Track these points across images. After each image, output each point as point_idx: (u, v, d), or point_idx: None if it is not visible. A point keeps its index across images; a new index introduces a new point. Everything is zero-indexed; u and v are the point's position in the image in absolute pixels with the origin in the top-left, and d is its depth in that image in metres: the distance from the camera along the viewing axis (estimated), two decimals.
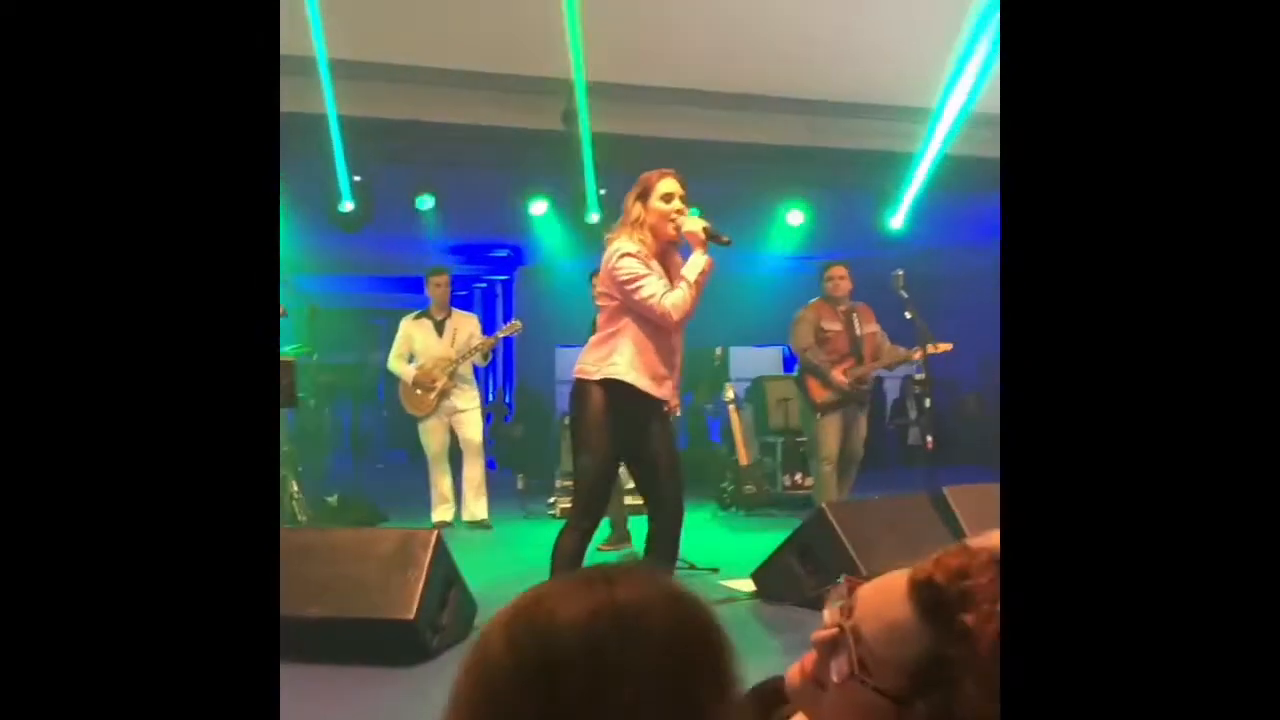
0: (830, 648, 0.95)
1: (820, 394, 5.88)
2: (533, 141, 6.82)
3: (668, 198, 3.38)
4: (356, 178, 6.76)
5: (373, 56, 6.00)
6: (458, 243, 10.33)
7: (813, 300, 6.07)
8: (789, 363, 11.87)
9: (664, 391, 3.45)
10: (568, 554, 3.41)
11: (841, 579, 0.99)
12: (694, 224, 3.34)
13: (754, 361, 10.91)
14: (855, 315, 5.95)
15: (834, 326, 5.93)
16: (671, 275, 3.39)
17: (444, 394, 6.49)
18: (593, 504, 3.47)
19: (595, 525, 3.49)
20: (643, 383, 3.39)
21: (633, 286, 3.32)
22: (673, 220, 3.36)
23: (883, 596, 0.95)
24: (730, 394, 7.66)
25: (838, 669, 0.93)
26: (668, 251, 3.45)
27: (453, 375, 6.48)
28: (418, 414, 6.58)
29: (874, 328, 5.99)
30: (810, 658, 0.97)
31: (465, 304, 12.59)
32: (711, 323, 10.25)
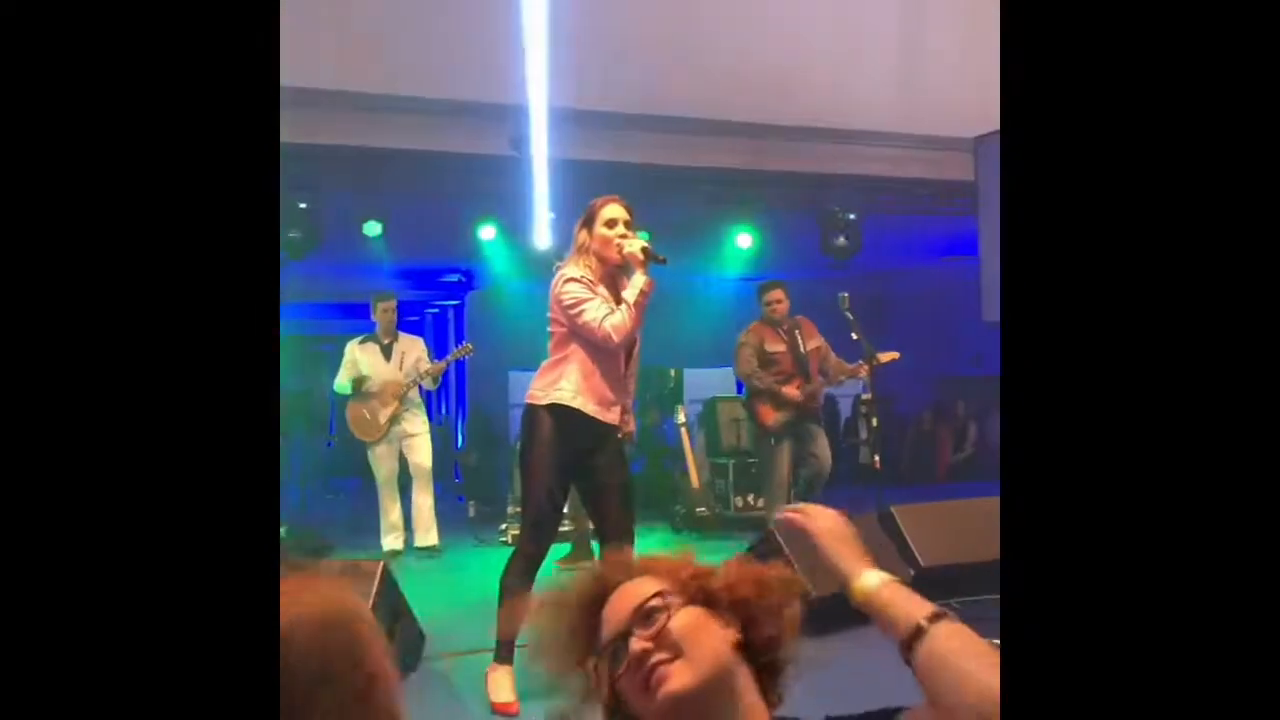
0: (661, 629, 1.16)
1: (771, 417, 5.82)
2: (480, 166, 6.82)
3: (611, 223, 3.40)
4: (302, 205, 6.70)
5: (318, 83, 5.97)
6: (407, 268, 10.27)
7: (752, 324, 6.03)
8: (741, 384, 11.92)
9: (612, 416, 3.45)
10: (513, 578, 3.40)
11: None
12: (633, 245, 3.36)
13: (707, 383, 10.94)
14: (798, 332, 5.92)
15: (777, 347, 5.89)
16: (619, 299, 3.41)
17: (394, 419, 6.43)
18: (540, 529, 3.46)
19: (543, 550, 3.47)
20: (590, 408, 3.40)
21: (575, 311, 3.34)
22: (616, 245, 3.38)
23: (634, 591, 1.21)
24: (682, 416, 7.68)
25: (683, 617, 1.17)
26: (615, 276, 3.46)
27: (402, 399, 6.42)
28: (367, 439, 6.51)
29: (818, 342, 5.95)
30: (666, 663, 1.14)
31: (416, 329, 12.48)
32: (665, 345, 10.26)
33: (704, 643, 1.16)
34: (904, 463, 11.37)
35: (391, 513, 6.55)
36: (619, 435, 3.54)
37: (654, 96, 6.63)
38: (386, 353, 6.55)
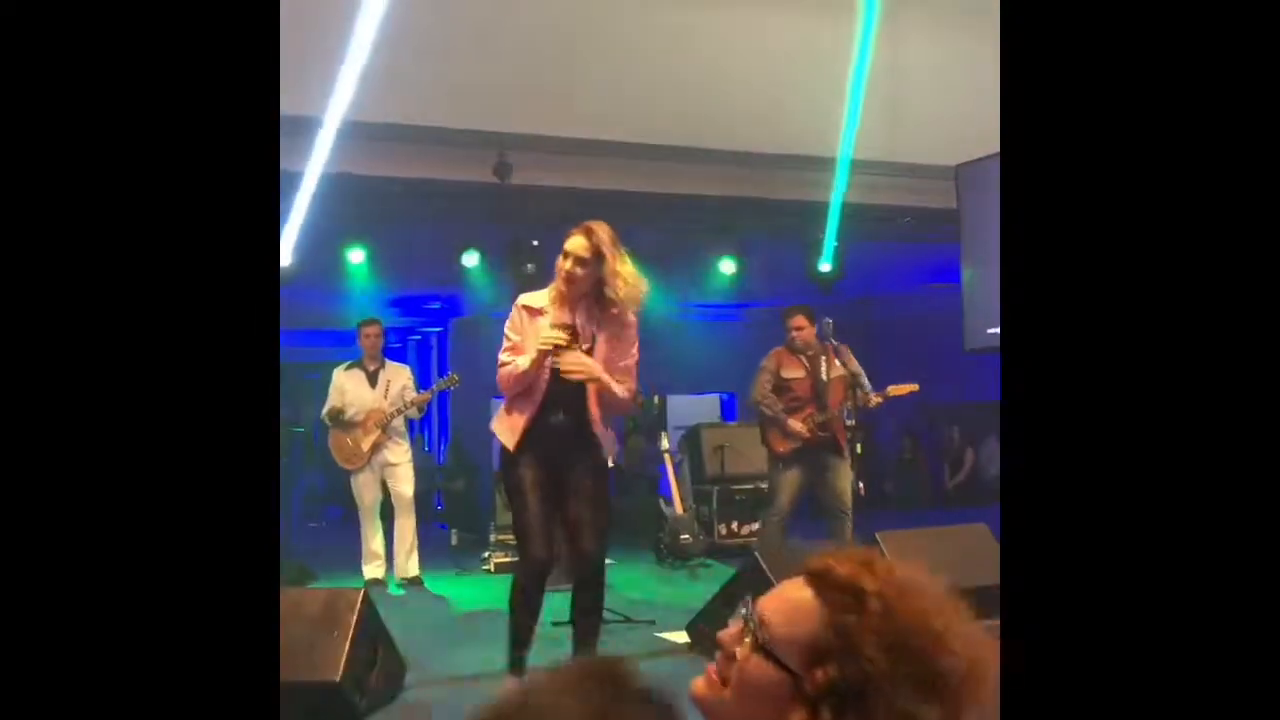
0: (735, 641, 1.00)
1: (780, 445, 5.70)
2: (465, 193, 6.83)
3: (565, 255, 3.42)
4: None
5: (302, 110, 5.97)
6: (391, 295, 10.26)
7: (776, 348, 5.90)
8: (726, 410, 11.92)
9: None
10: (514, 596, 3.47)
11: (748, 597, 1.03)
12: (547, 337, 3.38)
13: (691, 410, 10.95)
14: (824, 359, 5.74)
15: (795, 374, 5.75)
16: (579, 327, 3.43)
17: (377, 447, 6.38)
18: (524, 547, 3.48)
19: (535, 567, 3.43)
20: (510, 442, 3.49)
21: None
22: (564, 276, 3.41)
23: (782, 590, 1.02)
24: (665, 443, 7.67)
25: (742, 650, 0.98)
26: (580, 303, 3.44)
27: (386, 428, 6.38)
28: (349, 467, 6.46)
29: (843, 370, 5.73)
30: (712, 667, 1.01)
31: (399, 356, 12.47)
32: (648, 372, 10.18)
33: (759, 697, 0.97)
34: (890, 490, 11.39)
35: (373, 541, 6.49)
36: (590, 464, 3.49)
37: (639, 124, 6.66)
38: (372, 380, 6.50)
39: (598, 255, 3.36)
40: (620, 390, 3.42)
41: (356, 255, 7.39)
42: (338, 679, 3.35)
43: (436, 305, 11.21)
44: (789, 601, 0.99)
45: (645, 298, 3.45)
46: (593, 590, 3.52)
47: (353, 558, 6.63)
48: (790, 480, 5.69)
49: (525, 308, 3.48)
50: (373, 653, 3.65)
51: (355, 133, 6.21)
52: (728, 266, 8.48)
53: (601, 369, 3.38)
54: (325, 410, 6.53)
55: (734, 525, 7.73)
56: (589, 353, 3.42)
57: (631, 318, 3.49)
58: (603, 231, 3.41)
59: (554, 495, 3.49)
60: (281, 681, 3.60)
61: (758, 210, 7.62)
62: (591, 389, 3.42)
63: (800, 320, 5.79)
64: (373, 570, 6.44)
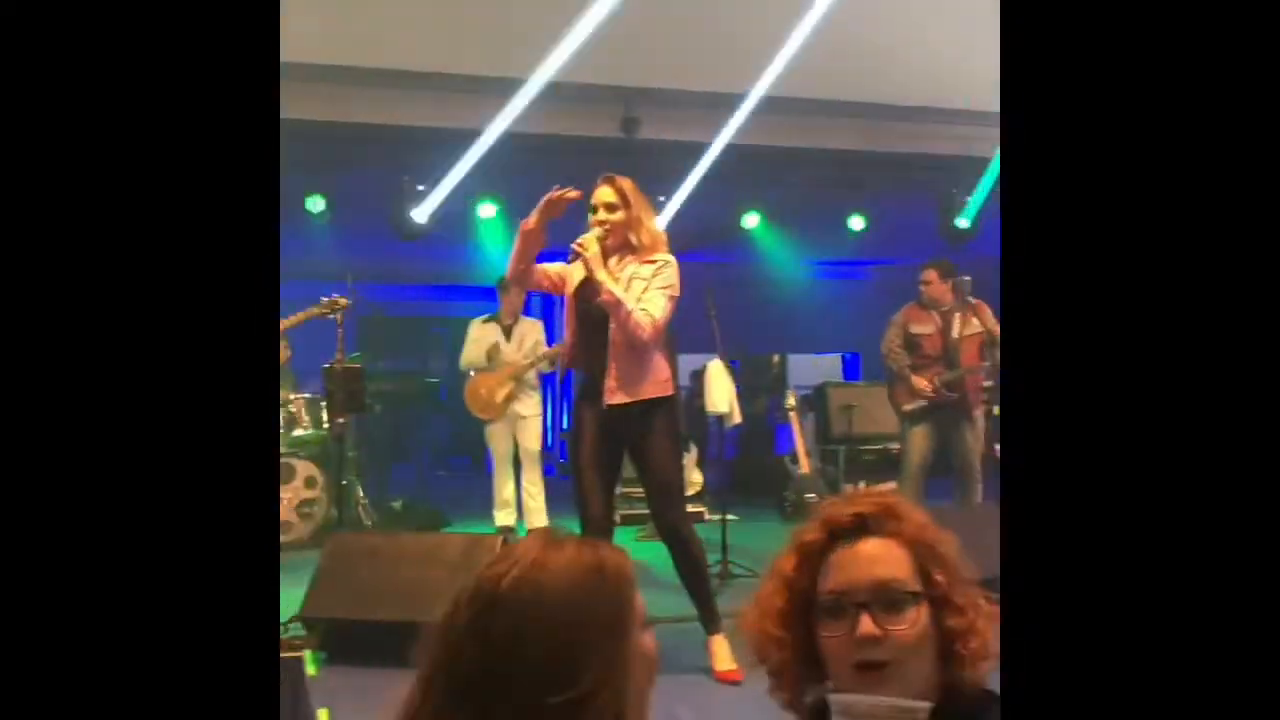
0: (887, 640, 1.11)
1: (905, 401, 5.57)
2: (593, 149, 6.86)
3: (594, 208, 3.54)
4: (420, 187, 6.85)
5: (434, 66, 6.08)
6: None
7: (908, 304, 5.73)
8: (849, 370, 11.73)
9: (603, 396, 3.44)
10: None
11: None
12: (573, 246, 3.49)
13: (814, 369, 10.81)
14: (958, 316, 5.53)
15: (924, 330, 5.57)
16: (609, 268, 3.46)
17: (510, 398, 6.54)
18: (580, 511, 3.50)
19: (591, 528, 3.42)
20: (576, 391, 3.60)
21: None
22: (595, 225, 3.50)
23: (875, 556, 1.15)
24: (791, 401, 7.61)
25: (907, 627, 1.10)
26: (611, 254, 3.50)
27: (520, 380, 6.53)
28: (485, 417, 6.64)
29: (980, 329, 5.49)
30: (879, 663, 1.10)
31: (525, 310, 12.66)
32: (769, 330, 10.11)
33: (924, 661, 1.10)
34: None
35: (504, 490, 6.67)
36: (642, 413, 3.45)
37: (767, 77, 6.55)
38: (507, 333, 6.67)
39: (624, 200, 3.48)
40: (628, 302, 3.36)
41: (487, 210, 7.52)
42: None
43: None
44: (895, 559, 1.14)
45: (667, 243, 3.55)
46: (681, 552, 3.47)
47: (480, 505, 6.83)
48: (918, 438, 5.56)
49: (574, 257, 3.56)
50: None
51: (485, 87, 6.30)
52: (856, 222, 8.31)
53: (607, 272, 3.41)
54: (463, 360, 6.73)
55: (860, 486, 7.65)
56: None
57: (665, 262, 3.48)
58: (624, 181, 3.55)
59: (613, 451, 3.51)
60: (423, 623, 3.74)
61: (889, 165, 7.43)
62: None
63: (929, 275, 5.60)
64: (504, 517, 6.63)
